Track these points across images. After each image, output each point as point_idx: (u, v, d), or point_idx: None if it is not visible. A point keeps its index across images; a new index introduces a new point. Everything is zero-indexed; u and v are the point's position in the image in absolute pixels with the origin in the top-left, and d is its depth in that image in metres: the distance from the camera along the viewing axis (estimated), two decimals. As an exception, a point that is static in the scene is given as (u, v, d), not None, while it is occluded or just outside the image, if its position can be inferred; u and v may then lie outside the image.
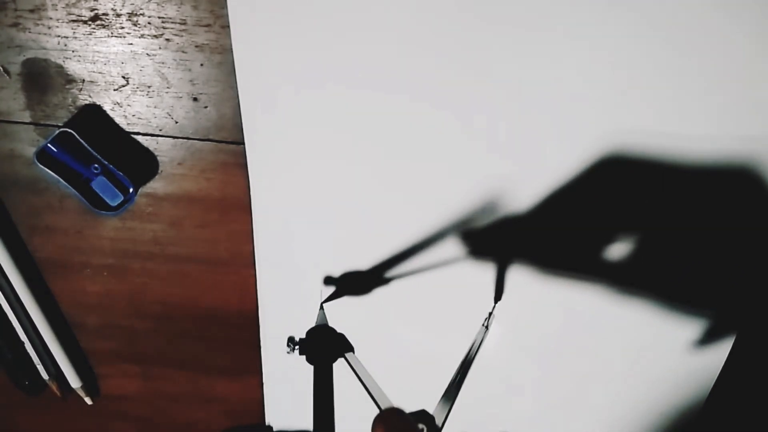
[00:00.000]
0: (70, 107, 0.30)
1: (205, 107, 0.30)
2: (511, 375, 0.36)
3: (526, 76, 0.27)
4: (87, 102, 0.30)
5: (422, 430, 0.22)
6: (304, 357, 0.28)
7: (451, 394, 0.27)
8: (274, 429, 0.40)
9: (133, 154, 0.31)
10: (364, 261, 0.33)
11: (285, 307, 0.35)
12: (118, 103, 0.30)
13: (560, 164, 0.29)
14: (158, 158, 0.31)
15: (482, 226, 0.31)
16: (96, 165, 0.29)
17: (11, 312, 0.35)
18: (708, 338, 0.33)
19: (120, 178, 0.30)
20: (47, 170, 0.29)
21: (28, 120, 0.30)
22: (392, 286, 0.33)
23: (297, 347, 0.29)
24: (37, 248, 0.34)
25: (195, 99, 0.29)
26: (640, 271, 0.31)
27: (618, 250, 0.31)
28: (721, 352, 0.33)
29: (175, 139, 0.30)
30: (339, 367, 0.28)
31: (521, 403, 0.37)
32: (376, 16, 0.26)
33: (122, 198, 0.30)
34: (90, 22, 0.28)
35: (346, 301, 0.34)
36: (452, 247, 0.32)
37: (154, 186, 0.32)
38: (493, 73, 0.27)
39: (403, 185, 0.30)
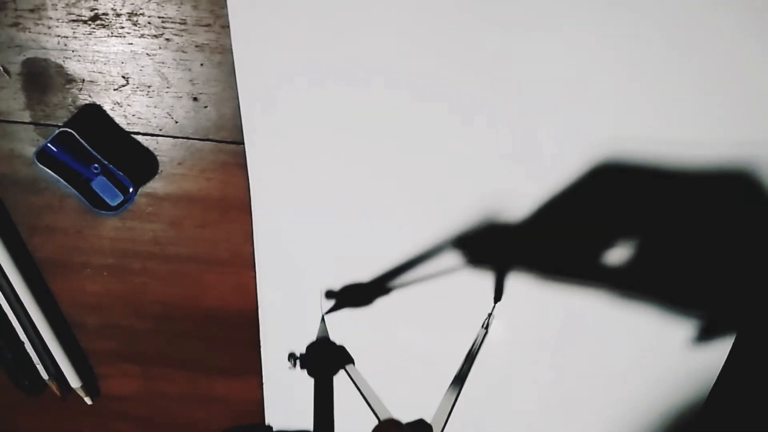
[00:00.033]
0: (70, 107, 0.30)
1: (205, 107, 0.30)
2: (511, 376, 0.36)
3: (526, 77, 0.27)
4: (87, 102, 0.30)
5: None
6: (305, 369, 0.29)
7: (450, 398, 0.27)
8: (274, 429, 0.40)
9: (133, 154, 0.31)
10: (364, 261, 0.33)
11: (285, 307, 0.35)
12: (118, 103, 0.30)
13: (560, 168, 0.29)
14: (158, 158, 0.31)
15: (482, 229, 0.31)
16: (96, 165, 0.29)
17: (11, 312, 0.35)
18: (708, 339, 0.33)
19: (120, 178, 0.30)
20: (47, 170, 0.29)
21: (28, 120, 0.30)
22: (393, 292, 0.33)
23: (298, 362, 0.29)
24: (37, 248, 0.34)
25: (195, 99, 0.29)
26: (640, 275, 0.31)
27: (617, 255, 0.31)
28: (720, 352, 0.33)
29: (175, 139, 0.30)
30: (338, 376, 0.28)
31: (521, 404, 0.37)
32: (376, 16, 0.26)
33: (122, 198, 0.30)
34: (90, 22, 0.28)
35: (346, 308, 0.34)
36: (452, 249, 0.32)
37: (154, 186, 0.32)
38: (493, 73, 0.27)
39: (403, 185, 0.30)
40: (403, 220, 0.31)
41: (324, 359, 0.29)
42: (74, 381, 0.38)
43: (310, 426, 0.39)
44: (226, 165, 0.31)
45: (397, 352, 0.36)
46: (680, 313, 0.32)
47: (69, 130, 0.28)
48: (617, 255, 0.31)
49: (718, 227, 0.30)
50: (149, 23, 0.28)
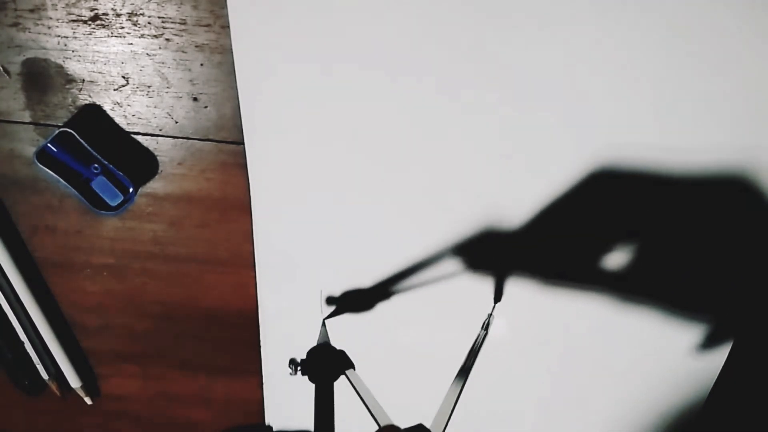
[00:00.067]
0: (70, 107, 0.30)
1: (205, 107, 0.30)
2: (511, 376, 0.36)
3: (529, 71, 0.27)
4: (87, 102, 0.30)
5: None
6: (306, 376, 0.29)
7: (451, 399, 0.27)
8: (274, 429, 0.40)
9: (133, 154, 0.31)
10: (364, 260, 0.33)
11: (285, 307, 0.35)
12: (118, 103, 0.30)
13: (560, 170, 0.29)
14: (158, 158, 0.31)
15: (481, 235, 0.31)
16: (96, 165, 0.29)
17: (11, 312, 0.35)
18: (708, 340, 0.33)
19: (120, 178, 0.30)
20: (47, 170, 0.29)
21: (28, 120, 0.30)
22: (393, 297, 0.34)
23: (299, 368, 0.29)
24: (37, 248, 0.34)
25: (195, 99, 0.29)
26: (639, 279, 0.31)
27: (616, 259, 0.31)
28: (720, 353, 0.33)
29: (175, 139, 0.30)
30: (338, 381, 0.28)
31: (521, 404, 0.37)
32: (377, 17, 0.26)
33: (122, 198, 0.30)
34: (90, 22, 0.28)
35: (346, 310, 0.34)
36: (452, 255, 0.32)
37: (154, 186, 0.32)
38: (495, 72, 0.27)
39: (403, 185, 0.30)
40: (403, 219, 0.31)
41: (324, 365, 0.29)
42: (74, 381, 0.38)
43: (310, 426, 0.39)
44: (226, 165, 0.31)
45: (396, 352, 0.36)
46: (680, 316, 0.32)
47: (69, 130, 0.28)
48: (616, 260, 0.31)
49: (716, 231, 0.30)
50: (149, 23, 0.28)
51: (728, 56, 0.26)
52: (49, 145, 0.28)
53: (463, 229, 0.31)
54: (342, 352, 0.30)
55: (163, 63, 0.29)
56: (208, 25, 0.28)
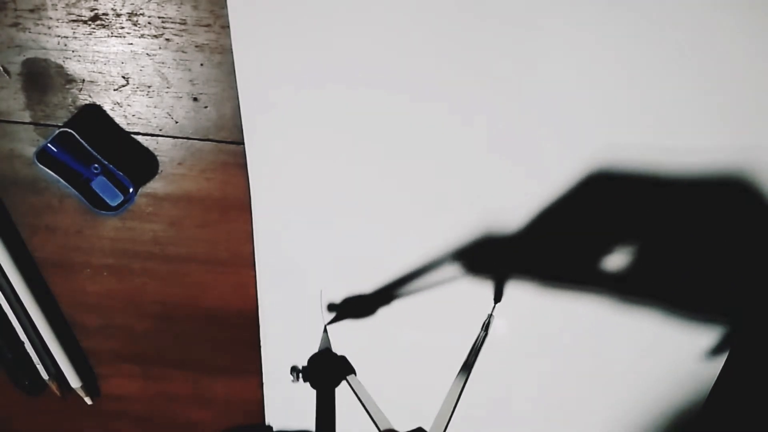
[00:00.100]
0: (70, 107, 0.30)
1: (205, 107, 0.30)
2: (512, 376, 0.36)
3: (525, 78, 0.27)
4: (87, 102, 0.30)
5: None
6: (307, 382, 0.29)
7: (451, 400, 0.27)
8: (274, 429, 0.40)
9: (133, 154, 0.31)
10: (364, 260, 0.33)
11: (285, 307, 0.35)
12: (118, 103, 0.30)
13: (560, 172, 0.29)
14: (158, 158, 0.31)
15: (480, 239, 0.31)
16: (96, 165, 0.29)
17: (11, 312, 0.35)
18: (714, 345, 0.33)
19: (120, 178, 0.30)
20: (47, 170, 0.29)
21: (28, 120, 0.30)
22: (394, 302, 0.34)
23: (301, 375, 0.29)
24: (37, 248, 0.34)
25: (195, 99, 0.29)
26: (639, 280, 0.31)
27: (616, 261, 0.31)
28: (718, 356, 0.33)
29: (175, 139, 0.30)
30: (340, 386, 0.28)
31: (521, 405, 0.37)
32: (376, 17, 0.26)
33: (122, 198, 0.30)
34: (90, 22, 0.28)
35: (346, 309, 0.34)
36: (452, 261, 0.32)
37: (154, 186, 0.32)
38: (492, 74, 0.27)
39: (403, 184, 0.30)
40: (403, 219, 0.31)
41: (326, 371, 0.29)
42: (74, 381, 0.38)
43: (310, 426, 0.39)
44: (226, 165, 0.31)
45: (395, 353, 0.36)
46: (680, 316, 0.32)
47: (69, 130, 0.28)
48: (615, 261, 0.31)
49: (715, 231, 0.30)
50: (149, 23, 0.28)
51: (727, 57, 0.26)
52: (49, 145, 0.28)
53: (463, 227, 0.31)
54: (343, 358, 0.30)
55: (163, 63, 0.29)
56: (208, 25, 0.28)
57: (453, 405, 0.26)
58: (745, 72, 0.26)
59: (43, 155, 0.29)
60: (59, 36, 0.28)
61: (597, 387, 0.36)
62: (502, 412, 0.38)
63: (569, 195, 0.29)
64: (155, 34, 0.28)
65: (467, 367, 0.29)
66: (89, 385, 0.39)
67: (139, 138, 0.31)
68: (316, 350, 0.36)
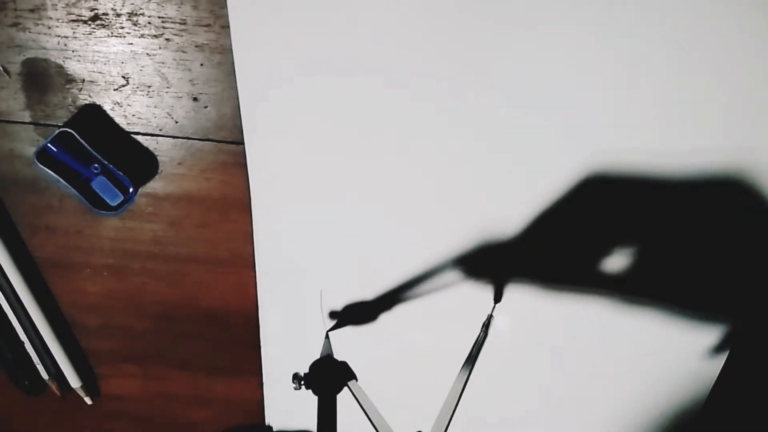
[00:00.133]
0: (70, 107, 0.30)
1: (205, 107, 0.30)
2: (511, 376, 0.36)
3: (524, 75, 0.27)
4: (87, 102, 0.30)
5: None
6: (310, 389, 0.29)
7: (452, 401, 0.27)
8: (274, 429, 0.40)
9: (133, 154, 0.31)
10: (364, 260, 0.33)
11: (285, 307, 0.35)
12: (118, 103, 0.30)
13: (559, 175, 0.29)
14: (158, 158, 0.31)
15: (481, 245, 0.31)
16: (96, 165, 0.29)
17: (11, 312, 0.35)
18: (716, 344, 0.33)
19: (120, 178, 0.30)
20: (47, 170, 0.29)
21: (28, 120, 0.30)
22: (395, 308, 0.34)
23: (303, 382, 0.29)
24: (37, 248, 0.34)
25: (195, 99, 0.29)
26: (638, 282, 0.31)
27: (616, 262, 0.31)
28: (719, 355, 0.33)
29: (175, 139, 0.30)
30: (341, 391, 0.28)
31: (522, 405, 0.37)
32: (376, 17, 0.26)
33: (122, 198, 0.30)
34: (90, 22, 0.28)
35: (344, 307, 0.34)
36: (452, 267, 0.32)
37: (154, 186, 0.32)
38: (492, 73, 0.27)
39: (403, 185, 0.30)
40: (402, 219, 0.31)
41: (327, 378, 0.29)
42: (74, 381, 0.38)
43: (310, 426, 0.39)
44: (226, 165, 0.31)
45: (394, 352, 0.36)
46: (680, 317, 0.32)
47: (69, 130, 0.28)
48: (615, 263, 0.31)
49: (715, 232, 0.30)
50: (149, 23, 0.28)
51: (726, 57, 0.26)
52: (49, 145, 0.28)
53: (462, 226, 0.31)
54: (344, 364, 0.30)
55: (163, 63, 0.29)
56: (208, 25, 0.28)
57: (454, 405, 0.26)
58: (744, 72, 0.26)
59: (43, 155, 0.29)
60: (59, 36, 0.28)
61: (597, 387, 0.36)
62: (502, 411, 0.38)
63: (567, 198, 0.29)
64: (155, 34, 0.28)
65: (467, 368, 0.29)
66: (89, 385, 0.39)
67: (139, 138, 0.31)
68: (316, 350, 0.35)
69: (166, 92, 0.29)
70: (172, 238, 0.33)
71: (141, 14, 0.27)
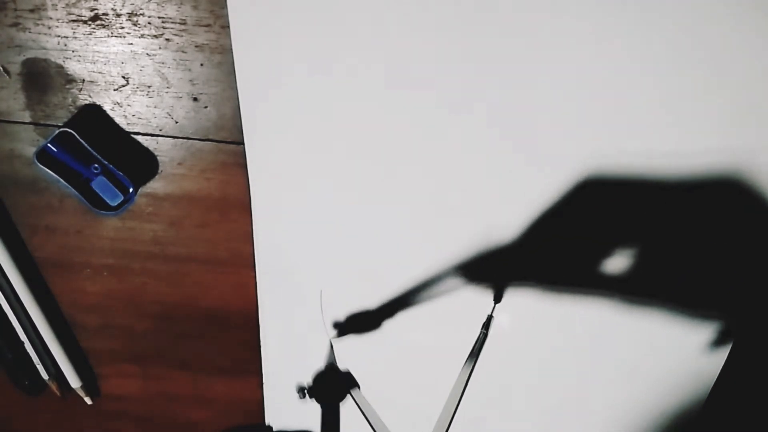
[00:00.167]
0: (70, 107, 0.30)
1: (205, 107, 0.30)
2: (511, 376, 0.36)
3: (525, 83, 0.27)
4: (87, 102, 0.30)
5: None
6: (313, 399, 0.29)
7: (453, 402, 0.27)
8: (274, 429, 0.40)
9: (133, 154, 0.31)
10: (364, 260, 0.33)
11: (285, 307, 0.35)
12: (118, 103, 0.30)
13: (558, 177, 0.29)
14: (158, 158, 0.31)
15: (481, 251, 0.31)
16: (96, 165, 0.29)
17: (11, 312, 0.35)
18: (714, 339, 0.33)
19: (120, 178, 0.30)
20: (47, 170, 0.29)
21: (28, 120, 0.30)
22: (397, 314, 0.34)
23: (307, 393, 0.30)
24: (37, 248, 0.34)
25: (195, 99, 0.29)
26: (638, 283, 0.31)
27: (615, 263, 0.31)
28: (720, 352, 0.33)
29: (175, 139, 0.30)
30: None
31: (521, 404, 0.37)
32: (377, 17, 0.26)
33: (122, 198, 0.30)
34: (90, 22, 0.28)
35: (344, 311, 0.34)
36: (453, 274, 0.32)
37: (154, 186, 0.32)
38: (493, 75, 0.27)
39: (402, 184, 0.30)
40: (402, 219, 0.31)
41: (331, 387, 0.29)
42: (74, 381, 0.38)
43: (310, 426, 0.39)
44: (226, 165, 0.31)
45: (394, 354, 0.36)
46: (680, 317, 0.32)
47: (69, 130, 0.28)
48: (615, 264, 0.31)
49: (714, 232, 0.30)
50: (149, 23, 0.28)
51: (725, 58, 0.26)
52: (49, 145, 0.28)
53: (462, 225, 0.31)
54: (347, 373, 0.30)
55: (163, 63, 0.29)
56: (208, 25, 0.28)
57: (455, 406, 0.26)
58: (744, 73, 0.26)
59: (43, 155, 0.29)
60: (59, 36, 0.28)
61: (597, 387, 0.36)
62: (502, 411, 0.38)
63: (567, 199, 0.29)
64: (155, 34, 0.28)
65: (468, 369, 0.29)
66: (89, 385, 0.39)
67: (139, 138, 0.31)
68: (316, 350, 0.36)
69: (166, 92, 0.29)
70: (172, 238, 0.33)
71: (141, 14, 0.27)
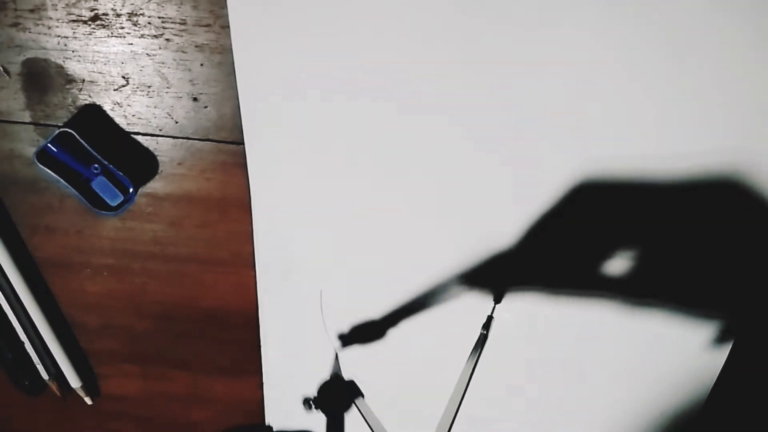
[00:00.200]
0: (70, 107, 0.30)
1: (205, 107, 0.30)
2: (511, 376, 0.36)
3: (524, 87, 0.27)
4: (87, 102, 0.30)
5: None
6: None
7: (454, 403, 0.27)
8: (274, 429, 0.40)
9: (133, 154, 0.31)
10: (364, 260, 0.33)
11: (285, 307, 0.35)
12: (118, 103, 0.30)
13: (557, 181, 0.29)
14: (158, 158, 0.31)
15: (482, 259, 0.31)
16: (96, 165, 0.29)
17: (11, 312, 0.35)
18: (716, 336, 0.33)
19: (120, 178, 0.30)
20: (47, 170, 0.29)
21: (28, 120, 0.30)
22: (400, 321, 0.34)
23: (313, 405, 0.30)
24: (37, 248, 0.34)
25: (195, 99, 0.29)
26: (638, 284, 0.31)
27: (615, 266, 0.31)
28: (721, 352, 0.33)
29: (175, 139, 0.30)
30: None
31: (522, 404, 0.37)
32: (376, 17, 0.26)
33: (122, 198, 0.30)
34: (90, 22, 0.28)
35: (342, 310, 0.34)
36: (455, 283, 0.32)
37: (154, 186, 0.32)
38: (491, 85, 0.27)
39: (402, 184, 0.30)
40: (402, 219, 0.31)
41: (336, 397, 0.29)
42: (74, 381, 0.38)
43: (311, 426, 0.39)
44: (226, 165, 0.31)
45: (394, 356, 0.36)
46: (680, 317, 0.32)
47: (69, 130, 0.28)
48: (615, 266, 0.31)
49: (714, 233, 0.30)
50: (149, 23, 0.28)
51: (723, 58, 0.26)
52: (49, 145, 0.28)
53: (461, 224, 0.31)
54: (351, 383, 0.30)
55: (163, 63, 0.29)
56: (208, 25, 0.28)
57: (456, 407, 0.27)
58: (740, 75, 0.26)
59: (43, 155, 0.29)
60: (59, 36, 0.28)
61: (597, 387, 0.36)
62: (502, 412, 0.38)
63: (563, 204, 0.29)
64: (155, 34, 0.28)
65: (469, 369, 0.29)
66: (89, 385, 0.39)
67: (139, 138, 0.31)
68: (316, 350, 0.36)
69: (166, 92, 0.29)
70: (172, 238, 0.33)
71: (141, 14, 0.27)
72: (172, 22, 0.28)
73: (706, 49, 0.26)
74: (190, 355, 0.38)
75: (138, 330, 0.37)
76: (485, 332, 0.32)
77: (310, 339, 0.36)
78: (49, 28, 0.28)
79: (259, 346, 0.37)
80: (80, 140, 0.28)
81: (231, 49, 0.28)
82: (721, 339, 0.33)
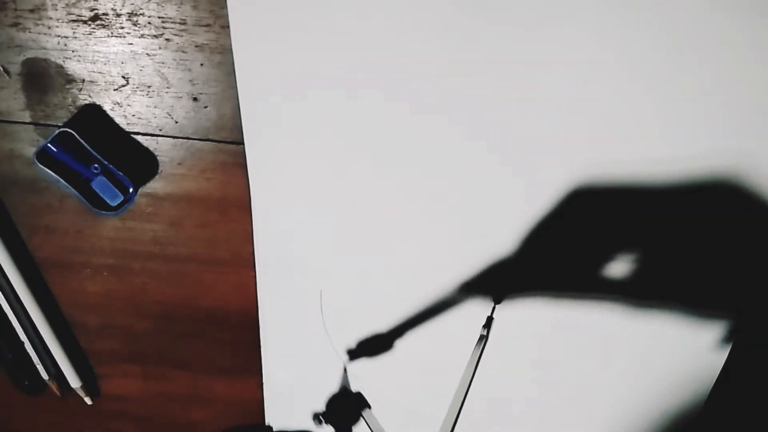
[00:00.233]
0: (70, 107, 0.30)
1: (205, 107, 0.30)
2: (511, 377, 0.36)
3: (524, 90, 0.27)
4: (87, 102, 0.30)
5: None
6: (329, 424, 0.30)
7: (456, 405, 0.27)
8: (274, 429, 0.40)
9: (133, 154, 0.31)
10: (364, 260, 0.33)
11: (285, 307, 0.35)
12: (118, 103, 0.30)
13: (556, 184, 0.29)
14: (158, 158, 0.31)
15: (483, 267, 0.31)
16: (96, 165, 0.29)
17: (11, 312, 0.35)
18: (709, 341, 0.33)
19: (120, 178, 0.30)
20: (47, 170, 0.29)
21: (28, 120, 0.30)
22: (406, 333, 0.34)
23: (323, 419, 0.30)
24: (37, 248, 0.34)
25: (195, 99, 0.29)
26: (639, 285, 0.31)
27: (615, 268, 0.31)
28: (721, 352, 0.33)
29: (175, 139, 0.30)
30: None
31: (522, 405, 0.37)
32: (377, 18, 0.26)
33: (122, 198, 0.30)
34: (90, 22, 0.28)
35: (342, 310, 0.34)
36: (458, 294, 0.33)
37: (154, 186, 0.32)
38: (490, 86, 0.27)
39: (402, 183, 0.30)
40: (402, 218, 0.31)
41: (344, 410, 0.30)
42: (74, 381, 0.38)
43: (310, 426, 0.39)
44: (226, 165, 0.31)
45: (394, 359, 0.36)
46: (680, 317, 0.32)
47: (69, 130, 0.28)
48: (615, 269, 0.31)
49: (713, 234, 0.30)
50: (149, 23, 0.28)
51: (722, 59, 0.26)
52: (49, 145, 0.28)
53: (461, 224, 0.31)
54: (358, 394, 0.30)
55: (163, 63, 0.29)
56: (208, 25, 0.28)
57: (458, 408, 0.27)
58: (738, 76, 0.26)
59: (43, 155, 0.29)
60: (59, 36, 0.28)
61: (597, 387, 0.36)
62: (502, 412, 0.38)
63: (560, 209, 0.29)
64: (155, 34, 0.28)
65: (470, 371, 0.29)
66: (89, 385, 0.39)
67: (139, 138, 0.31)
68: (316, 350, 0.36)
69: (166, 92, 0.29)
70: (172, 238, 0.33)
71: (141, 14, 0.27)
72: (172, 22, 0.28)
73: (706, 49, 0.26)
74: (190, 355, 0.38)
75: (138, 330, 0.37)
76: (486, 333, 0.32)
77: (310, 339, 0.36)
78: (49, 28, 0.28)
79: (259, 346, 0.37)
80: (80, 140, 0.28)
81: (231, 49, 0.28)
82: (722, 340, 0.33)
